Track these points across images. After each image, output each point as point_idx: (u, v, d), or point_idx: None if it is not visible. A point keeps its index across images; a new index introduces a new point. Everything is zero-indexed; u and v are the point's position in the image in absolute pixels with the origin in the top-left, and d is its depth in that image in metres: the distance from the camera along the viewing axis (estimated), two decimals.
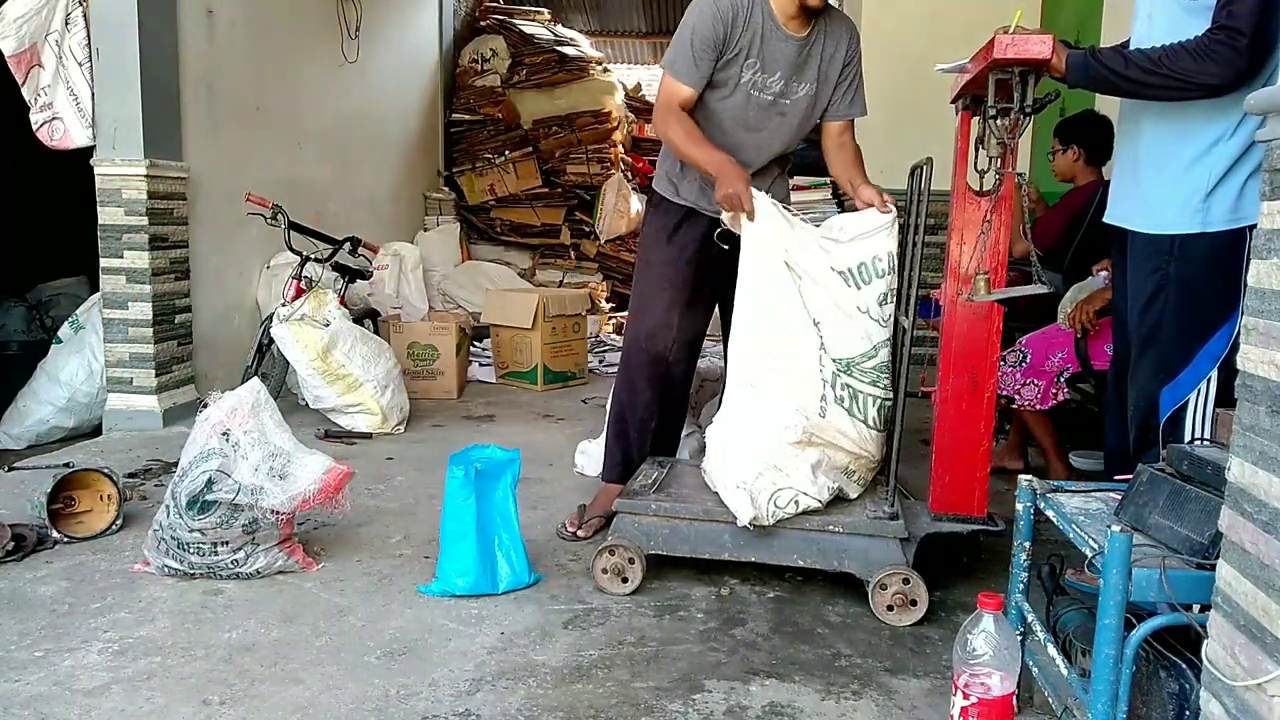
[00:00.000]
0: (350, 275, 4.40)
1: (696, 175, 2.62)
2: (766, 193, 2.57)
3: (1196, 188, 1.85)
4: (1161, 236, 1.91)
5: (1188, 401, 1.89)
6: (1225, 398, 1.83)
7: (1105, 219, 2.09)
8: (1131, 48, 1.89)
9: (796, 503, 2.23)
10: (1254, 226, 1.73)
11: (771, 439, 2.27)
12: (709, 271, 2.69)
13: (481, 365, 5.47)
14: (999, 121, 1.92)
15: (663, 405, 2.77)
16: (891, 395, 2.34)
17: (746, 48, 2.46)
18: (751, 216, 2.32)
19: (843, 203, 5.32)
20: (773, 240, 2.29)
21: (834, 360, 2.28)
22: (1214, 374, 1.85)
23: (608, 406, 3.49)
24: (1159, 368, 1.92)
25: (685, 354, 2.74)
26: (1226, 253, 1.83)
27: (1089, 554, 1.40)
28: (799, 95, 2.57)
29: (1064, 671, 1.51)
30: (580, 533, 2.71)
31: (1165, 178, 1.90)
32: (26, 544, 2.50)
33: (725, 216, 2.41)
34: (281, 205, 4.09)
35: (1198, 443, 1.69)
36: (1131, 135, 2.00)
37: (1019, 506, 1.66)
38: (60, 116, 3.76)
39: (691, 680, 1.91)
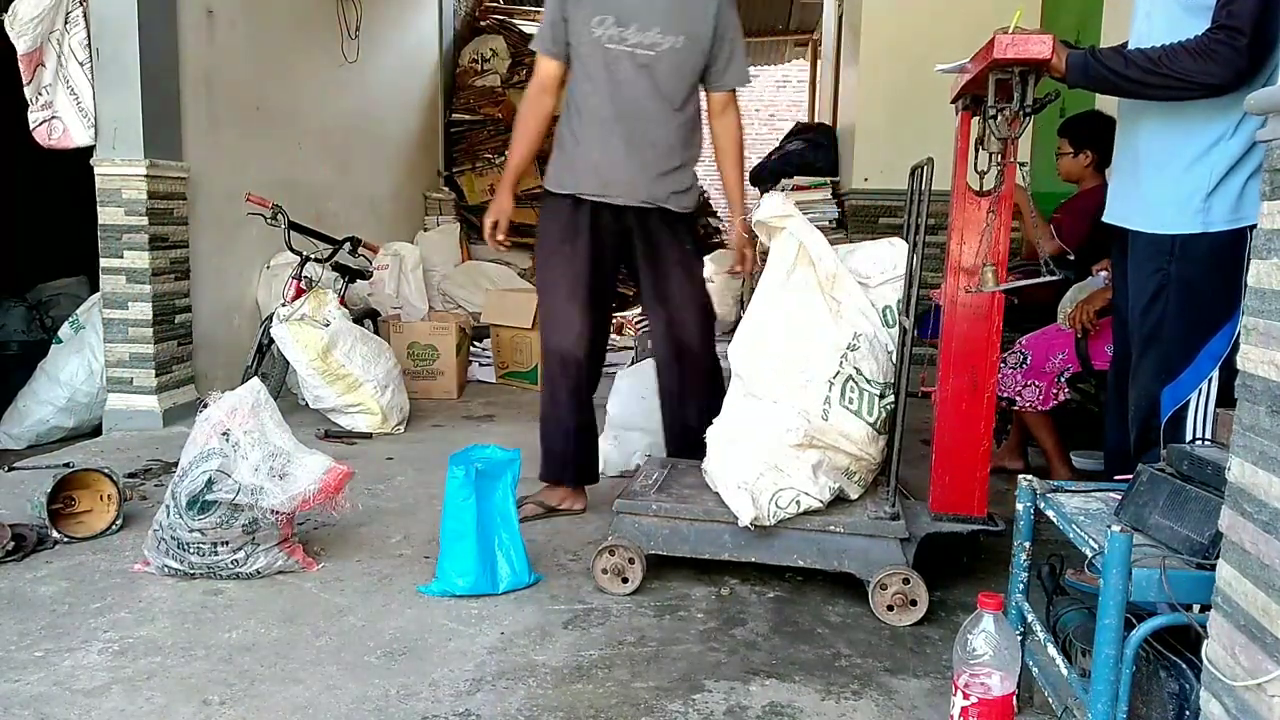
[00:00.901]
0: (350, 275, 4.41)
1: (575, 157, 2.62)
2: (668, 200, 2.63)
3: (1197, 188, 1.84)
4: (1162, 236, 1.91)
5: (1189, 401, 1.88)
6: (1226, 398, 1.82)
7: (1105, 218, 2.09)
8: (1130, 47, 1.89)
9: (798, 503, 2.23)
10: (1254, 227, 1.75)
11: (772, 440, 2.27)
12: (605, 260, 2.70)
13: (481, 365, 5.47)
14: (999, 121, 1.92)
15: (577, 402, 2.79)
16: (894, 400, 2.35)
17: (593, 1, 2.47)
18: (490, 241, 2.54)
19: (843, 202, 5.33)
20: (809, 251, 2.30)
21: (857, 370, 2.28)
22: (1215, 374, 1.85)
23: (608, 406, 3.49)
24: (1160, 368, 1.92)
25: (591, 348, 2.76)
26: (1227, 253, 1.83)
27: (1089, 554, 1.40)
28: (665, 47, 2.52)
29: (1064, 671, 1.51)
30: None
31: (1165, 177, 1.90)
32: (26, 544, 2.50)
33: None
34: (281, 205, 4.09)
35: (1198, 443, 1.69)
36: (1131, 135, 2.00)
37: (1019, 506, 1.66)
38: (59, 116, 3.76)
39: (691, 680, 1.91)
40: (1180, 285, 1.88)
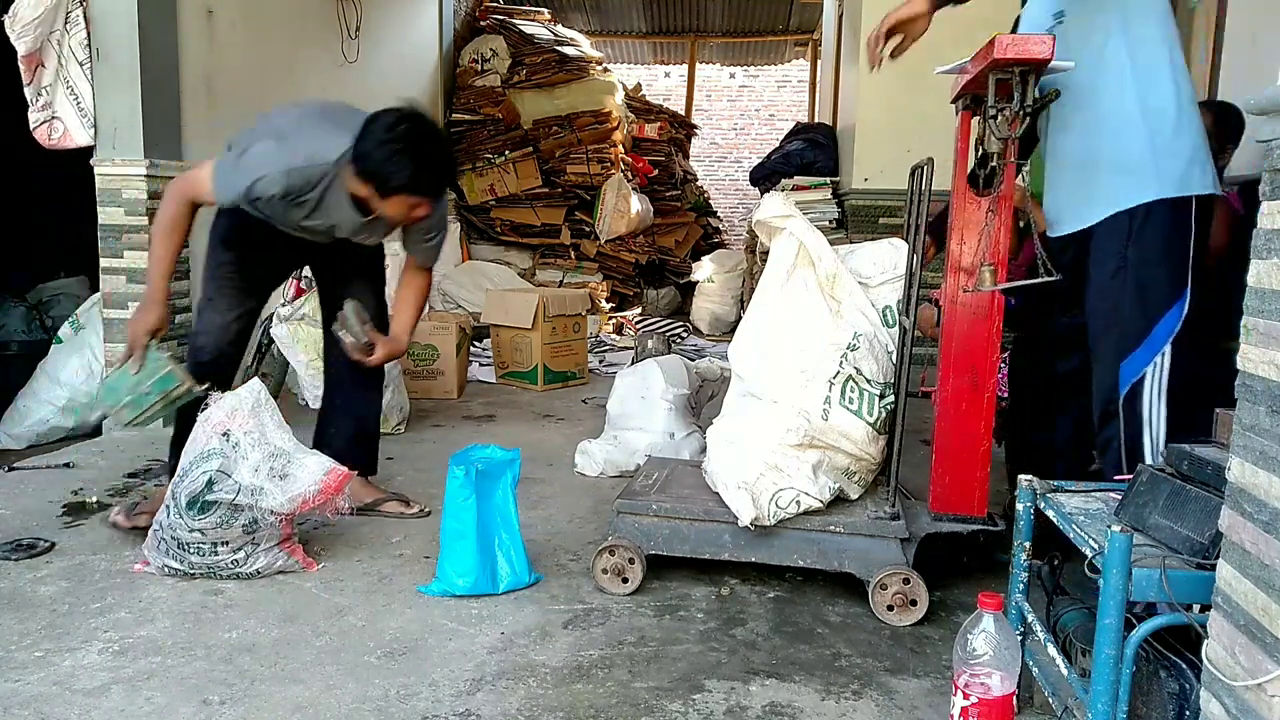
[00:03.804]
0: None
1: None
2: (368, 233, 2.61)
3: (1138, 156, 1.97)
4: (1120, 218, 2.00)
5: (1145, 376, 1.98)
6: (1177, 373, 1.95)
7: (1059, 233, 2.16)
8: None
9: (798, 503, 2.23)
10: (1203, 197, 1.92)
11: (772, 440, 2.27)
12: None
13: (481, 365, 5.48)
14: (999, 121, 1.93)
15: None
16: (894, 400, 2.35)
17: (306, 206, 2.46)
18: (133, 362, 2.41)
19: (843, 202, 5.33)
20: (809, 252, 2.30)
21: (856, 371, 2.28)
22: (1167, 349, 1.96)
23: (608, 406, 3.48)
24: (1119, 347, 2.01)
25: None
26: (1176, 229, 1.95)
27: (1089, 554, 1.40)
28: (365, 238, 2.66)
29: (1064, 671, 1.51)
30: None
31: (1103, 162, 2.02)
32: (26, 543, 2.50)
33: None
34: None
35: (1156, 430, 1.75)
36: (1061, 146, 2.10)
37: (1019, 506, 1.66)
38: (60, 116, 3.76)
39: (691, 680, 1.91)
40: (1136, 267, 1.98)
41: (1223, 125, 2.82)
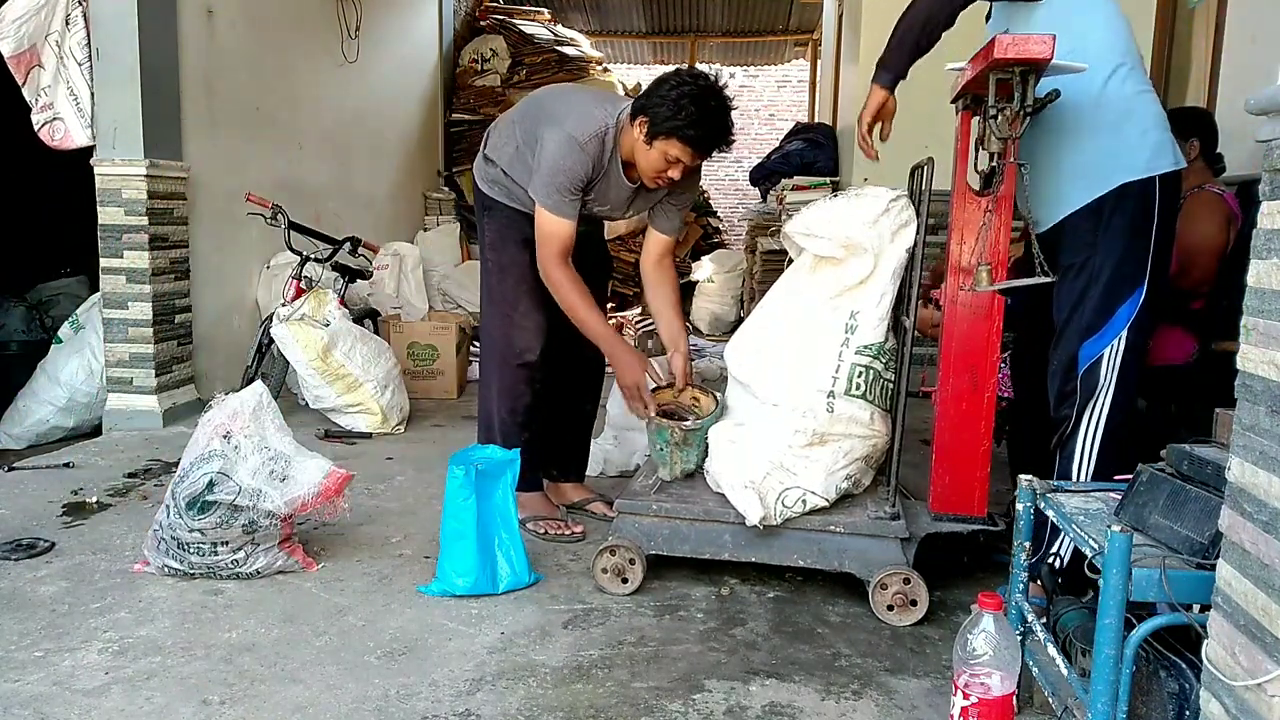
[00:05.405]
0: (350, 275, 4.41)
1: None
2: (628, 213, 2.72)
3: (1103, 146, 2.03)
4: (1089, 208, 2.04)
5: (1102, 355, 2.03)
6: (1132, 353, 2.01)
7: (1041, 231, 2.16)
8: None
9: (804, 501, 2.23)
10: (1165, 175, 1.99)
11: (780, 441, 2.27)
12: None
13: None
14: (999, 121, 1.93)
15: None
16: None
17: (595, 187, 2.55)
18: (645, 413, 2.49)
19: None
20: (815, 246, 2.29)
21: (859, 349, 2.26)
22: (1125, 333, 2.02)
23: (608, 406, 3.49)
24: (1083, 331, 2.06)
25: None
26: (1143, 213, 1.99)
27: (1089, 554, 1.40)
28: (626, 214, 2.75)
29: (1064, 671, 1.51)
30: (578, 530, 2.73)
31: (1084, 150, 2.06)
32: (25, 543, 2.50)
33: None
34: (281, 205, 4.09)
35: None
36: (1054, 153, 2.12)
37: (1019, 506, 1.66)
38: (61, 116, 3.76)
39: (691, 680, 1.91)
40: (1104, 253, 2.02)
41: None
